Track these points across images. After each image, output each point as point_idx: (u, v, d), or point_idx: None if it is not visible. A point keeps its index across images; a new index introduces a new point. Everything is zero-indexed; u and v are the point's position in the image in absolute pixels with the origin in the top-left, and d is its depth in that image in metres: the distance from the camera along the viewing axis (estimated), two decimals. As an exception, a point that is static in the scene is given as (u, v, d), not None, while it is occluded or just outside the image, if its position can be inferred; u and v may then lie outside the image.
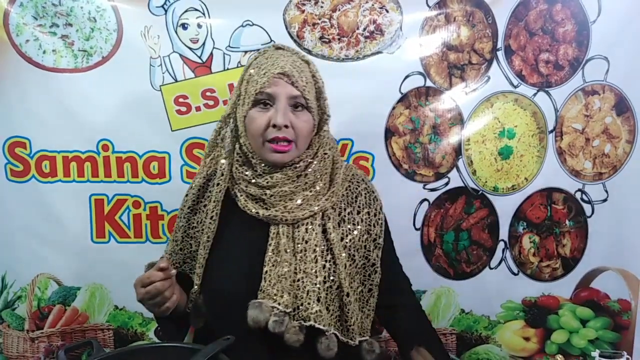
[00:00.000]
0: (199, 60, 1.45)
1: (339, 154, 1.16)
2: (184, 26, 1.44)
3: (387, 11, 1.45)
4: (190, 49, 1.45)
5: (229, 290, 1.05)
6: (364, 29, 1.46)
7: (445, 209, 1.52)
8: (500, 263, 1.55)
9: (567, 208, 1.54)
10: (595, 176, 1.53)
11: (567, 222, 1.55)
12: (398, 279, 1.19)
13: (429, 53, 1.47)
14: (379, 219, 1.12)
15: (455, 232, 1.53)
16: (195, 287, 1.08)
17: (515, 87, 1.49)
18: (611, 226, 1.54)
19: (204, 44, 1.44)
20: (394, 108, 1.47)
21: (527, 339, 1.58)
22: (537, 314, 1.57)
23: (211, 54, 1.45)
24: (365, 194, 1.13)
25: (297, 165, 1.06)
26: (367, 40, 1.46)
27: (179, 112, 1.46)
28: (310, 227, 1.05)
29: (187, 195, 1.15)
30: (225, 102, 1.46)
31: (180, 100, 1.45)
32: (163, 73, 1.44)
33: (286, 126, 1.01)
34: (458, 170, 1.51)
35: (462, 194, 1.51)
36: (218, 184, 1.07)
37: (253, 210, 1.06)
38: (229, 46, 1.44)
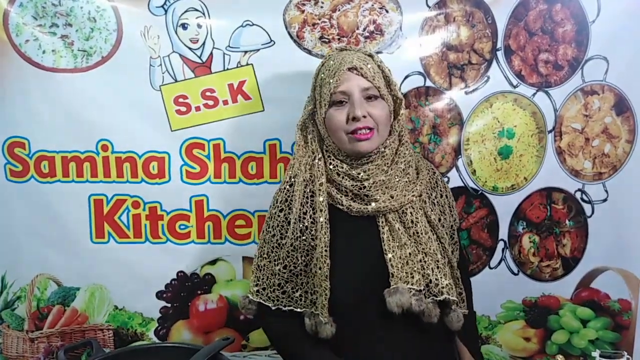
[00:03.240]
0: (199, 60, 1.45)
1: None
2: (184, 26, 1.44)
3: (387, 11, 1.46)
4: (190, 49, 1.45)
5: (360, 287, 1.09)
6: (364, 29, 1.46)
7: (445, 209, 1.52)
8: (500, 263, 1.55)
9: (567, 208, 1.54)
10: (595, 176, 1.53)
11: (567, 221, 1.55)
12: (462, 257, 1.27)
13: (429, 53, 1.47)
14: (452, 200, 1.26)
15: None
16: (323, 302, 1.08)
17: (515, 87, 1.49)
18: (611, 226, 1.53)
19: (203, 44, 1.44)
20: (393, 108, 1.48)
21: (527, 339, 1.58)
22: (537, 314, 1.57)
23: (211, 54, 1.45)
24: (440, 178, 1.25)
25: (385, 154, 1.13)
26: (367, 41, 1.46)
27: (178, 112, 1.46)
28: (414, 211, 1.12)
29: (282, 211, 1.16)
30: (225, 102, 1.46)
31: (180, 100, 1.45)
32: (163, 73, 1.44)
33: (364, 116, 1.08)
34: (458, 170, 1.51)
35: (462, 193, 1.51)
36: (321, 184, 1.12)
37: (361, 208, 1.10)
38: (228, 46, 1.44)
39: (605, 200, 1.54)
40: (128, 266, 1.50)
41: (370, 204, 1.11)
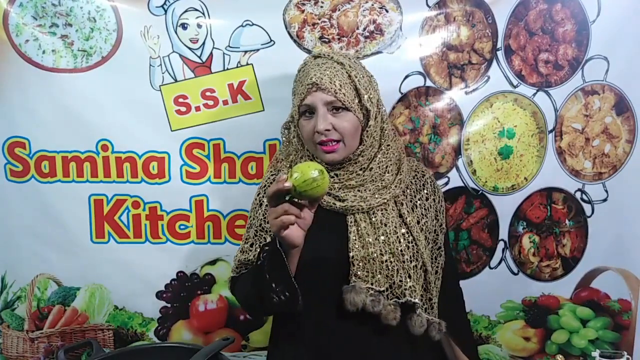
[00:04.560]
0: (199, 60, 1.45)
1: (402, 146, 1.25)
2: (184, 26, 1.44)
3: (387, 11, 1.45)
4: (190, 49, 1.44)
5: (319, 279, 1.08)
6: (364, 29, 1.46)
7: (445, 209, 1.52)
8: (500, 263, 1.55)
9: (567, 208, 1.54)
10: (595, 176, 1.53)
11: (567, 221, 1.55)
12: (448, 263, 1.23)
13: (429, 53, 1.47)
14: (441, 205, 1.22)
15: (455, 231, 1.52)
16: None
17: (515, 87, 1.49)
18: (611, 226, 1.53)
19: (203, 44, 1.44)
20: (393, 108, 1.47)
21: (527, 339, 1.58)
22: (537, 313, 1.57)
23: (211, 54, 1.45)
24: (430, 182, 1.22)
25: (357, 161, 1.14)
26: (367, 40, 1.46)
27: (178, 112, 1.46)
28: (385, 212, 1.12)
29: (258, 195, 1.21)
30: (225, 102, 1.46)
31: (180, 100, 1.45)
32: (163, 73, 1.44)
33: (328, 130, 1.09)
34: (458, 170, 1.51)
35: (462, 193, 1.51)
36: None
37: (330, 202, 1.11)
38: (228, 46, 1.44)
39: (605, 200, 1.54)
40: (128, 266, 1.50)
41: (340, 201, 1.12)
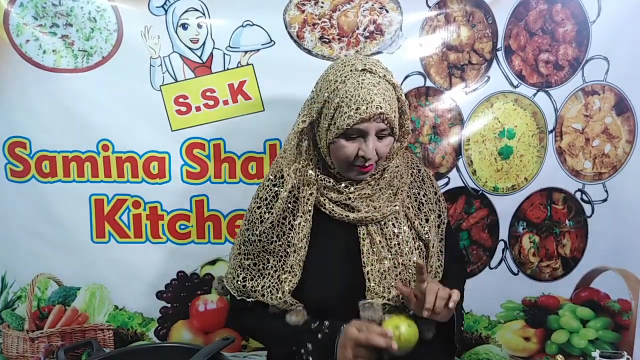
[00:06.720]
0: (199, 60, 1.45)
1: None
2: (184, 26, 1.44)
3: (387, 11, 1.46)
4: (190, 49, 1.45)
5: (334, 295, 1.07)
6: (364, 29, 1.46)
7: (445, 209, 1.52)
8: (500, 263, 1.55)
9: (567, 208, 1.55)
10: (595, 176, 1.53)
11: (567, 222, 1.55)
12: (453, 253, 1.21)
13: (429, 53, 1.47)
14: (440, 196, 1.20)
15: (455, 232, 1.52)
16: (287, 294, 1.08)
17: (515, 87, 1.49)
18: (611, 226, 1.54)
19: (204, 44, 1.44)
20: (394, 108, 1.48)
21: (527, 339, 1.58)
22: (537, 314, 1.57)
23: (211, 54, 1.45)
24: (427, 175, 1.20)
25: (374, 172, 1.11)
26: (367, 41, 1.46)
27: (179, 112, 1.46)
28: (396, 222, 1.10)
29: (259, 208, 1.13)
30: (225, 102, 1.46)
31: (180, 100, 1.45)
32: (163, 73, 1.44)
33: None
34: (458, 170, 1.51)
35: (462, 194, 1.52)
36: (311, 194, 1.10)
37: (343, 214, 1.08)
38: (229, 46, 1.44)
39: (605, 200, 1.54)
40: (128, 266, 1.51)
41: (352, 212, 1.09)
